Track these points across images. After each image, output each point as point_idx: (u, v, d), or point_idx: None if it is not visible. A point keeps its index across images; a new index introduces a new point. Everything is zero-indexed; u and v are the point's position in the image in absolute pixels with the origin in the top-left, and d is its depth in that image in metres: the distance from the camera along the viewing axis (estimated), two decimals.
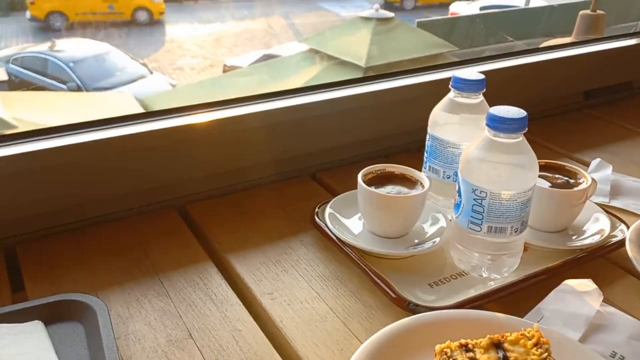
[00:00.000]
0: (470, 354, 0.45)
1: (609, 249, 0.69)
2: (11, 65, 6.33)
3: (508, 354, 0.45)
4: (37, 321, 0.55)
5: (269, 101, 0.84)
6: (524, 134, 0.59)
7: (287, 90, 0.88)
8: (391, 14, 4.95)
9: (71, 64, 6.13)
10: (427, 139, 0.74)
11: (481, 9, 8.16)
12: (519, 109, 0.60)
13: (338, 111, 0.88)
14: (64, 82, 5.98)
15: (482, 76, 0.70)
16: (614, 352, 0.54)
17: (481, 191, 0.60)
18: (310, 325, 0.58)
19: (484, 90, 0.70)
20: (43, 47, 6.70)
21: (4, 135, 0.70)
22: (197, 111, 0.80)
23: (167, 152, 0.76)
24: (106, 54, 6.53)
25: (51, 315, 0.56)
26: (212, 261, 0.68)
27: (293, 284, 0.64)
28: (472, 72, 0.70)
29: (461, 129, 0.71)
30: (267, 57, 6.19)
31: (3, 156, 0.67)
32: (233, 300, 0.62)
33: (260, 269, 0.67)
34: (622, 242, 0.68)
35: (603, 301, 0.59)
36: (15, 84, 6.22)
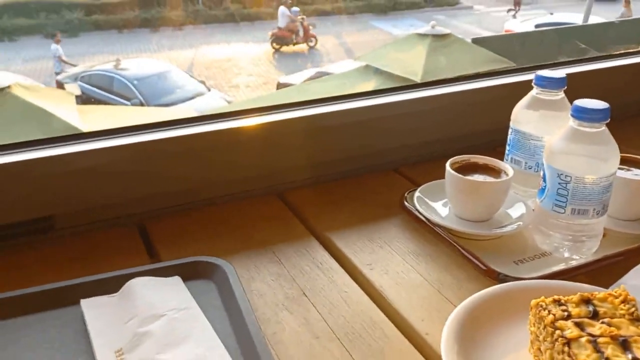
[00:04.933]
0: (563, 307, 0.51)
1: None
2: (80, 83, 6.72)
3: (598, 308, 0.51)
4: (176, 276, 0.64)
5: (350, 101, 0.93)
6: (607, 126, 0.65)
7: (370, 91, 0.97)
8: (447, 31, 5.00)
9: (135, 82, 6.46)
10: (509, 132, 0.80)
11: (536, 26, 8.10)
12: (601, 101, 0.66)
13: (418, 111, 0.95)
14: (128, 99, 6.30)
15: (564, 74, 0.76)
16: None
17: (566, 175, 0.66)
18: (407, 291, 0.66)
19: (565, 87, 0.76)
20: (109, 65, 7.09)
21: (131, 127, 0.81)
22: (292, 108, 0.89)
23: (267, 143, 0.86)
24: (167, 72, 6.86)
25: (186, 274, 0.65)
26: (314, 237, 0.76)
27: (388, 258, 0.72)
28: (554, 72, 0.77)
29: (542, 124, 0.77)
30: (320, 74, 6.34)
31: (132, 143, 0.77)
32: (337, 268, 0.70)
33: (357, 244, 0.74)
34: None
35: None
36: (84, 99, 6.59)
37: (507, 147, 0.81)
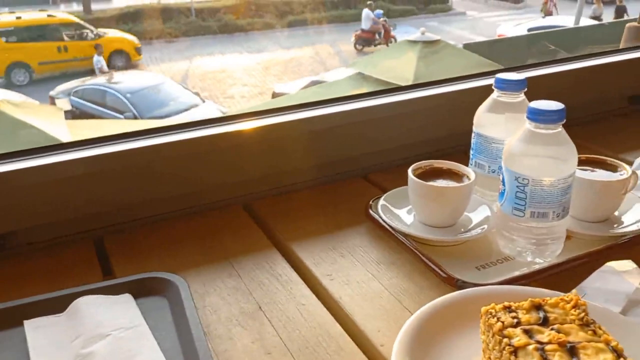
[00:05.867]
0: (513, 314, 0.50)
1: None
2: (73, 98, 6.72)
3: (548, 314, 0.50)
4: (127, 294, 0.63)
5: (318, 108, 0.92)
6: (565, 129, 0.64)
7: (337, 98, 0.96)
8: (437, 37, 5.01)
9: (128, 95, 6.47)
10: (472, 136, 0.79)
11: (529, 30, 8.14)
12: (557, 102, 0.65)
13: (386, 116, 0.94)
14: (121, 112, 6.30)
15: (523, 76, 0.75)
16: None
17: (523, 178, 0.65)
18: (366, 301, 0.64)
19: (525, 89, 0.75)
20: (101, 79, 7.11)
21: (87, 140, 0.80)
22: (248, 119, 0.88)
23: (229, 154, 0.84)
24: (161, 85, 6.86)
25: (138, 290, 0.64)
26: (276, 248, 0.75)
27: (350, 267, 0.70)
28: (513, 74, 0.76)
29: (504, 127, 0.76)
30: (315, 83, 6.35)
31: (88, 156, 0.76)
32: (296, 280, 0.68)
33: (319, 254, 0.73)
34: None
35: None
36: (76, 114, 6.59)
37: (471, 151, 0.80)
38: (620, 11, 9.68)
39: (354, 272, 0.70)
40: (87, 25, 8.30)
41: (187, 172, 0.83)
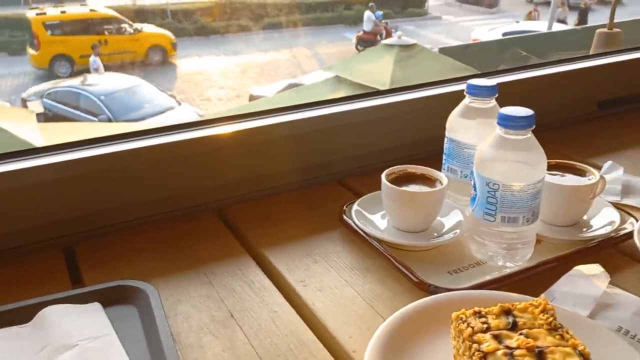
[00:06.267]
0: (483, 319, 0.50)
1: (619, 240, 0.73)
2: (45, 100, 6.60)
3: (517, 319, 0.50)
4: (96, 302, 0.62)
5: (295, 112, 0.91)
6: (535, 134, 0.65)
7: (313, 102, 0.96)
8: (413, 41, 5.06)
9: (102, 97, 6.37)
10: (445, 142, 0.80)
11: (503, 34, 8.27)
12: (527, 109, 0.65)
13: (362, 121, 0.95)
14: (95, 115, 6.21)
15: (494, 82, 0.76)
16: (619, 326, 0.58)
17: (494, 183, 0.65)
18: (339, 307, 0.64)
19: (496, 95, 0.76)
20: (75, 81, 6.99)
21: (61, 144, 0.79)
22: (225, 123, 0.87)
23: (205, 159, 0.84)
24: (136, 87, 6.77)
25: (108, 299, 0.62)
26: (249, 255, 0.74)
27: (323, 273, 0.70)
28: (485, 80, 0.77)
29: (476, 132, 0.76)
30: (292, 86, 6.36)
31: (56, 162, 0.75)
32: (269, 287, 0.68)
33: (293, 261, 0.73)
34: (631, 234, 0.72)
35: (611, 284, 0.64)
36: (49, 117, 6.47)
37: (444, 156, 0.81)
38: (583, 14, 9.98)
39: (328, 278, 0.70)
40: (126, 20, 8.53)
41: (163, 176, 0.82)
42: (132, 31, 8.38)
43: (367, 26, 9.58)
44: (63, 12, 8.41)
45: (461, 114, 0.78)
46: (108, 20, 8.52)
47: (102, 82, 7.06)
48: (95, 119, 6.26)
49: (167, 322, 0.58)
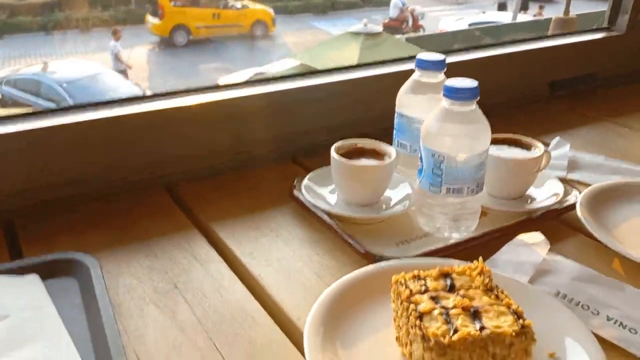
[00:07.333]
0: (422, 282, 0.51)
1: (562, 211, 0.75)
2: (4, 87, 6.39)
3: (455, 282, 0.51)
4: (33, 274, 0.60)
5: (249, 87, 0.91)
6: (485, 114, 0.66)
7: (269, 78, 0.95)
8: (379, 29, 5.08)
9: (64, 85, 6.21)
10: (395, 117, 0.80)
11: (470, 25, 8.38)
12: (471, 80, 0.66)
13: (315, 98, 0.94)
14: (57, 102, 6.04)
15: (443, 56, 0.76)
16: (558, 291, 0.60)
17: (439, 155, 0.66)
18: (286, 278, 0.64)
19: (445, 69, 0.77)
20: (36, 68, 6.80)
21: (5, 116, 0.76)
22: (174, 96, 0.86)
23: (155, 131, 0.82)
24: (99, 75, 6.62)
25: (47, 272, 0.61)
26: (197, 229, 0.73)
27: (271, 246, 0.70)
28: (434, 54, 0.77)
29: (426, 107, 0.76)
30: (259, 74, 6.30)
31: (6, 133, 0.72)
32: (216, 259, 0.67)
33: (241, 234, 0.72)
34: (574, 206, 0.74)
35: (552, 252, 0.65)
36: (8, 103, 6.27)
37: (394, 132, 0.81)
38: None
39: (276, 251, 0.69)
40: None
41: (110, 150, 0.80)
42: (239, 7, 9.14)
43: (393, 13, 9.59)
44: None
45: (411, 89, 0.78)
46: None
47: (64, 69, 6.88)
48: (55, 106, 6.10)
49: (107, 294, 0.57)
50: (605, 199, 0.77)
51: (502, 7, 10.05)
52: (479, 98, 0.65)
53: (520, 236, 0.67)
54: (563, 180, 0.82)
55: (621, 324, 0.55)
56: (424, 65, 0.76)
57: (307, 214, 0.76)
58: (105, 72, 6.75)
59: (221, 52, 8.29)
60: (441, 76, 0.77)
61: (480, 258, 0.54)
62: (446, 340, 0.44)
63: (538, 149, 0.78)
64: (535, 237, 0.66)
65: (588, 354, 0.49)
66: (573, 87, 1.23)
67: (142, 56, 8.20)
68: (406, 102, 0.78)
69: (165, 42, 8.50)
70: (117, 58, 7.14)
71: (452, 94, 0.65)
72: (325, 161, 0.79)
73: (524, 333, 0.45)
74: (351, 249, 0.69)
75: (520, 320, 0.46)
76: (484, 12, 10.36)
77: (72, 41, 8.61)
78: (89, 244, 0.68)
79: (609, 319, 0.56)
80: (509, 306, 0.48)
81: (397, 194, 0.77)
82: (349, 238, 0.69)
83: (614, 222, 0.73)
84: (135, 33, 8.51)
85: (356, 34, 5.10)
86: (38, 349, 0.50)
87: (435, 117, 0.67)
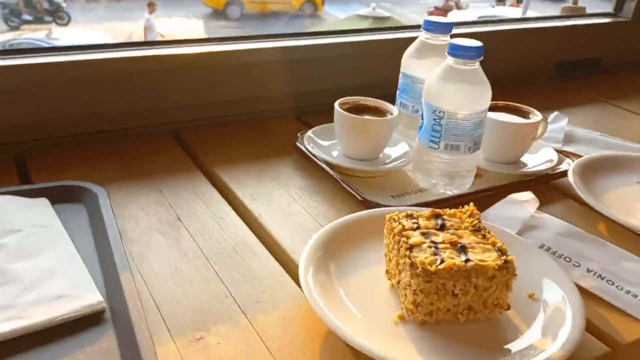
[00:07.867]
0: (414, 220, 0.53)
1: (554, 177, 0.78)
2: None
3: (445, 222, 0.54)
4: (43, 198, 0.63)
5: (260, 41, 0.93)
6: (492, 86, 0.68)
7: (278, 34, 0.98)
8: (387, 14, 5.06)
9: None
10: (399, 78, 0.82)
11: (478, 18, 8.35)
12: (476, 40, 0.68)
13: (324, 57, 0.96)
14: None
15: (451, 20, 0.79)
16: (542, 243, 0.62)
17: (440, 111, 0.68)
18: (284, 219, 0.67)
19: (451, 32, 0.79)
20: (40, 34, 6.76)
21: (20, 50, 0.79)
22: (196, 43, 0.88)
23: (164, 77, 0.84)
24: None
25: (56, 197, 0.63)
26: (201, 172, 0.76)
27: (273, 191, 0.73)
28: (442, 17, 0.79)
29: (429, 68, 0.78)
30: None
31: (13, 65, 0.75)
32: (218, 199, 0.70)
33: (244, 179, 0.75)
34: (566, 172, 0.77)
35: (541, 211, 0.68)
36: None
37: (398, 92, 0.83)
38: None
39: (277, 195, 0.72)
40: None
41: (122, 92, 0.82)
42: None
43: (438, 2, 9.47)
44: None
45: (416, 50, 0.80)
46: None
47: (67, 36, 6.85)
48: None
49: (115, 221, 0.60)
50: (596, 169, 0.79)
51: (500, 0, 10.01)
52: (482, 58, 0.68)
53: (513, 195, 0.69)
54: (558, 150, 0.85)
55: (600, 275, 0.58)
56: (432, 28, 0.78)
57: (308, 165, 0.79)
58: (109, 41, 6.71)
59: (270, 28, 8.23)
60: (447, 39, 0.79)
61: (472, 203, 0.56)
62: (433, 268, 0.46)
63: (536, 116, 0.80)
64: (526, 196, 0.69)
65: (566, 295, 0.52)
66: (578, 70, 1.25)
67: (194, 28, 8.23)
68: (411, 63, 0.81)
69: (217, 15, 8.51)
70: (150, 31, 7.10)
71: (457, 51, 0.67)
72: (329, 121, 0.81)
73: (506, 267, 0.48)
74: (349, 199, 0.71)
75: (504, 256, 0.49)
76: (492, 7, 10.30)
77: (116, 8, 8.58)
78: (97, 177, 0.71)
79: (588, 270, 0.59)
80: (494, 244, 0.50)
81: (396, 151, 0.79)
82: (347, 186, 0.71)
83: (603, 189, 0.76)
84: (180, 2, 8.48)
85: (364, 17, 5.09)
86: (45, 259, 0.53)
87: (439, 75, 0.69)
